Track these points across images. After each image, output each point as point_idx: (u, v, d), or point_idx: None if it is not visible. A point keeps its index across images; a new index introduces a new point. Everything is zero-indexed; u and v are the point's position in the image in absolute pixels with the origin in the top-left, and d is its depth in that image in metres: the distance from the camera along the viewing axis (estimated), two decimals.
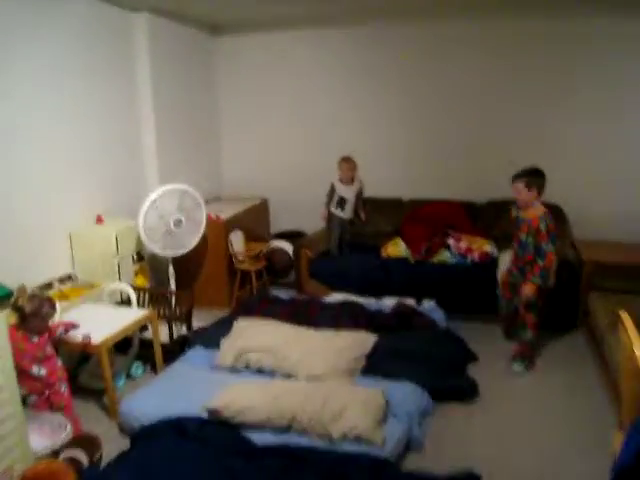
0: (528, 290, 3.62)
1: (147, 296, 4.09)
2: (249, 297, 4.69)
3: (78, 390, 3.47)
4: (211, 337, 3.82)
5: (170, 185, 4.08)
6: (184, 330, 4.06)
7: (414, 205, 5.21)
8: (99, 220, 4.31)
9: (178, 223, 4.10)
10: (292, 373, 3.30)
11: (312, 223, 5.47)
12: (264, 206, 5.83)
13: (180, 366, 3.54)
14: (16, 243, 3.64)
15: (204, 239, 4.80)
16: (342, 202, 4.96)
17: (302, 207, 5.73)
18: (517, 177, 3.61)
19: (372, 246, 5.04)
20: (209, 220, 4.79)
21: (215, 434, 2.79)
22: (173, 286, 4.41)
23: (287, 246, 5.20)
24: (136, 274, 4.40)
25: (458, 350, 3.77)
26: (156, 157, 4.92)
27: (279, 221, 5.99)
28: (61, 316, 3.25)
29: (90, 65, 4.24)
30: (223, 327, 3.91)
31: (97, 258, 4.12)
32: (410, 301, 4.35)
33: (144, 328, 3.94)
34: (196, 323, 4.51)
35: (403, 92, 5.35)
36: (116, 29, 4.51)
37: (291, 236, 5.55)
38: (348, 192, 4.94)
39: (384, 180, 5.48)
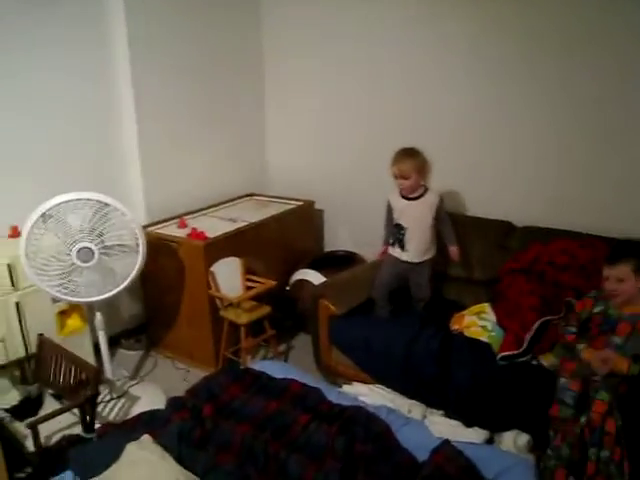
0: None
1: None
2: (221, 369, 2.98)
3: None
4: (93, 459, 2.21)
5: (75, 192, 2.49)
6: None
7: (531, 235, 2.98)
8: (14, 233, 2.91)
9: (86, 255, 2.52)
10: None
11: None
12: (307, 213, 3.96)
13: None
14: None
15: (180, 264, 3.19)
16: (399, 232, 2.90)
17: (367, 217, 3.76)
18: (616, 258, 2.20)
19: (448, 304, 2.99)
20: (189, 238, 3.16)
21: None
22: (103, 346, 2.88)
23: (318, 279, 3.36)
24: (64, 315, 2.96)
25: None
26: (137, 135, 3.35)
27: (337, 236, 4.13)
28: None
29: None
30: (121, 439, 2.28)
31: None
32: (476, 434, 2.32)
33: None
34: (147, 395, 2.99)
35: (525, 59, 3.08)
36: None
37: (339, 261, 3.68)
38: (410, 213, 2.87)
39: (482, 190, 3.35)
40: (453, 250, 2.92)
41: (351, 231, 4.00)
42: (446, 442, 2.23)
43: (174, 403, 2.62)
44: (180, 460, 2.17)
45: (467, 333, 2.66)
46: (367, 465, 2.18)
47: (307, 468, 2.15)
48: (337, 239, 4.10)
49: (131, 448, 2.17)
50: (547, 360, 2.43)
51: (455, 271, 3.13)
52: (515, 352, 2.42)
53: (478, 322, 2.67)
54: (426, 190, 2.88)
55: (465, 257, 3.09)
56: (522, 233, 3.04)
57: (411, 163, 2.76)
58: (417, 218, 2.86)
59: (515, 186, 3.26)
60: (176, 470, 2.03)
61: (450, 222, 2.93)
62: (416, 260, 2.90)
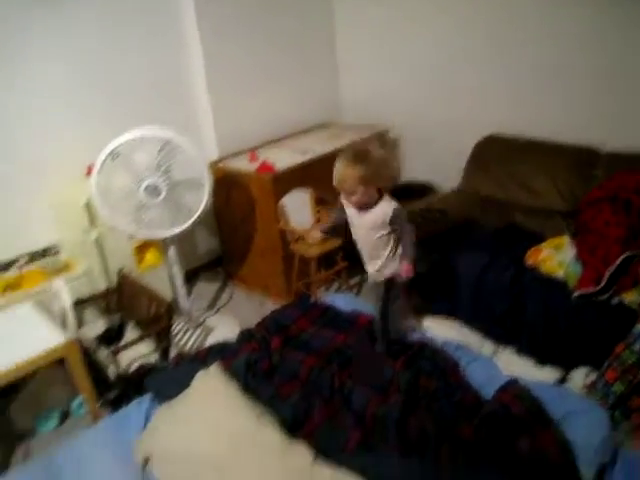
0: None
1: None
2: (291, 302, 3.00)
3: None
4: (167, 385, 2.35)
5: (140, 130, 2.52)
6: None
7: (617, 163, 2.68)
8: (89, 173, 3.02)
9: (154, 191, 2.58)
10: None
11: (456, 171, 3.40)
12: (381, 141, 3.77)
13: (87, 441, 2.18)
14: None
15: (251, 198, 3.20)
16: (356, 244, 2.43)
17: (445, 144, 3.60)
18: None
19: (525, 235, 2.79)
20: (258, 172, 3.14)
21: None
22: (177, 279, 2.99)
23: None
24: (142, 250, 3.10)
25: None
26: (204, 69, 3.33)
27: (413, 165, 3.95)
28: None
29: None
30: (193, 368, 2.39)
31: (75, 229, 2.92)
32: (548, 373, 2.21)
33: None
34: (222, 326, 3.11)
35: None
36: None
37: (414, 192, 3.54)
38: (358, 225, 2.30)
39: (561, 110, 3.02)
40: (403, 266, 2.28)
41: (428, 159, 3.82)
42: (514, 381, 2.14)
43: (244, 335, 2.69)
44: (246, 390, 2.24)
45: (543, 268, 2.48)
46: (429, 401, 2.15)
47: (370, 401, 2.14)
48: (414, 169, 3.94)
49: (200, 375, 2.27)
50: (629, 298, 2.23)
51: (535, 202, 2.90)
52: (593, 290, 2.23)
53: (555, 256, 2.48)
54: (380, 198, 2.21)
55: (547, 185, 2.86)
56: (607, 160, 2.74)
57: (353, 175, 2.09)
58: (365, 232, 2.31)
59: (598, 103, 2.92)
60: (237, 399, 2.10)
61: (408, 234, 2.27)
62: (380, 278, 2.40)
